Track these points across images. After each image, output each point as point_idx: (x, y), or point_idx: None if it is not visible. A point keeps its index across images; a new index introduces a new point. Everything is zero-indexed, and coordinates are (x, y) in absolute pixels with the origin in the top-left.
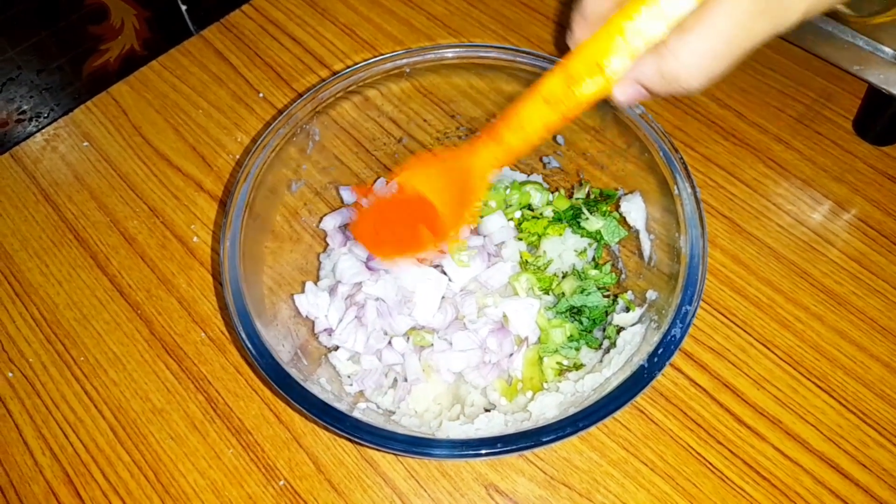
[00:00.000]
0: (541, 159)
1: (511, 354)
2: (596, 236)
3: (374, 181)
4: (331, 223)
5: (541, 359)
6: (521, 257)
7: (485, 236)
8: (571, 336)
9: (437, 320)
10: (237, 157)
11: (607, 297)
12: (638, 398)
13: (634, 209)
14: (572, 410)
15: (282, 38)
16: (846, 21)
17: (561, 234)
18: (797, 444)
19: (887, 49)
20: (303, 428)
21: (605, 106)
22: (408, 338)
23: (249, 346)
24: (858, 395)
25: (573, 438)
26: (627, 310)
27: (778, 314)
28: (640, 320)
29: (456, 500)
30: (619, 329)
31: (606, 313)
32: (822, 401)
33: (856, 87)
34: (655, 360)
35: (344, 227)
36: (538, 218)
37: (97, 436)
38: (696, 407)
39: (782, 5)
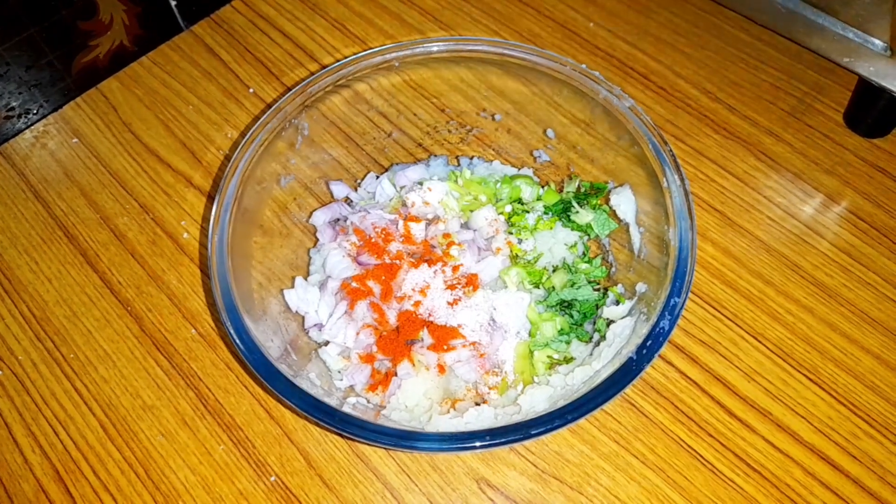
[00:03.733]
0: (531, 153)
1: (501, 348)
2: (586, 229)
3: (364, 176)
4: (320, 218)
5: (531, 352)
6: (511, 251)
7: (475, 230)
8: (562, 330)
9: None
10: (227, 152)
11: (598, 290)
12: (628, 390)
13: (624, 202)
14: (562, 403)
15: (272, 33)
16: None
17: (551, 228)
18: (788, 435)
19: (877, 41)
20: (294, 424)
21: (594, 100)
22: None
23: (238, 342)
24: (849, 386)
25: (563, 431)
26: (617, 303)
27: (769, 307)
28: (629, 313)
29: (447, 494)
30: (609, 322)
31: (597, 306)
32: (813, 393)
33: (847, 80)
34: (644, 352)
35: (334, 222)
36: (526, 227)
37: (87, 433)
38: (687, 399)
39: None
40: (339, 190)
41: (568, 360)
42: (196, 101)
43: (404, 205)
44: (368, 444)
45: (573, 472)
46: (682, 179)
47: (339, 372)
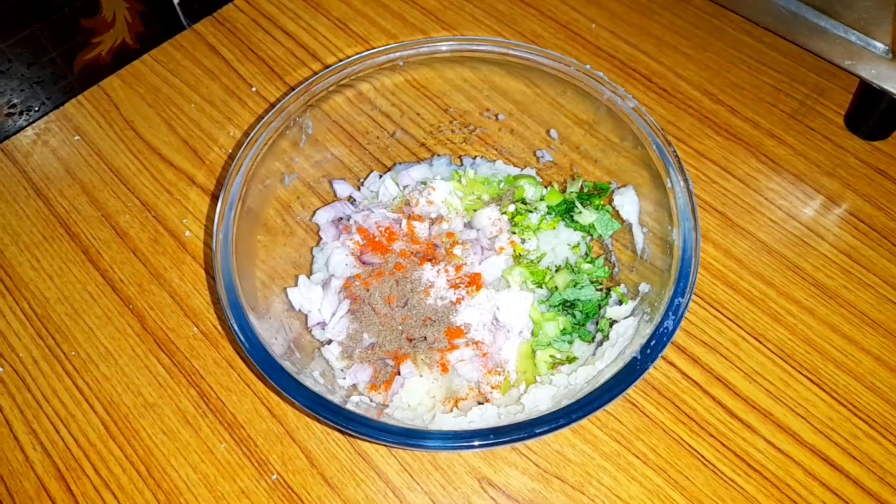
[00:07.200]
0: (534, 153)
1: (504, 348)
2: (589, 230)
3: (368, 175)
4: (324, 217)
5: (534, 352)
6: (514, 250)
7: (478, 230)
8: (564, 329)
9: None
10: (229, 151)
11: (600, 290)
12: (630, 390)
13: (627, 203)
14: (565, 402)
15: (274, 32)
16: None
17: (554, 228)
18: (788, 436)
19: (879, 44)
20: (296, 422)
21: (598, 100)
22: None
23: (242, 339)
24: (849, 387)
25: (566, 431)
26: (620, 303)
27: (770, 308)
28: (632, 313)
29: (449, 493)
30: (612, 322)
31: (599, 307)
32: (813, 394)
33: (848, 83)
34: (648, 352)
35: (337, 221)
36: (530, 227)
37: (88, 430)
38: (689, 400)
39: None
40: (343, 189)
41: (571, 360)
42: (198, 100)
43: (408, 204)
44: (373, 442)
45: (575, 472)
46: (685, 180)
47: (342, 370)
